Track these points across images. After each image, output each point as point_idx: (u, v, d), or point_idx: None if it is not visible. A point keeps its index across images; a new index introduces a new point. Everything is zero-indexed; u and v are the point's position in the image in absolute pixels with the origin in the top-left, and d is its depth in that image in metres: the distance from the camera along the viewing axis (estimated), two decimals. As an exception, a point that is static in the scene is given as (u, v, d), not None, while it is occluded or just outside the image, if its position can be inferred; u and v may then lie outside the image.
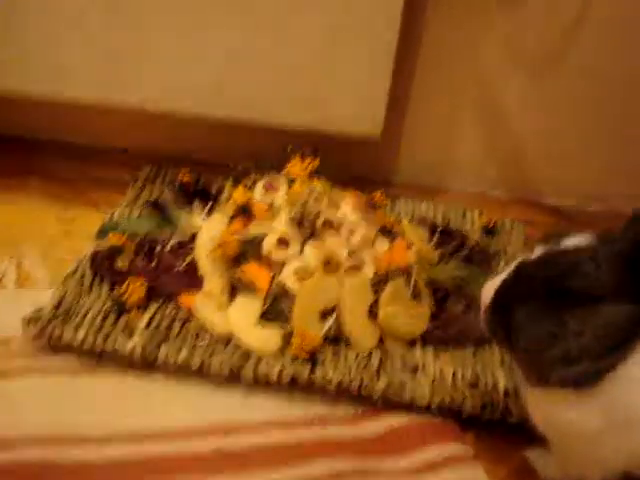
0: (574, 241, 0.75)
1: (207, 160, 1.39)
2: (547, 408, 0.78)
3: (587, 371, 0.71)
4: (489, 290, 0.79)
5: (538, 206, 1.49)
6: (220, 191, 1.28)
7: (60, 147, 1.46)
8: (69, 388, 0.95)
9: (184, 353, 0.97)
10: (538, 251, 0.77)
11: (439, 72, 1.38)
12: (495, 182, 1.50)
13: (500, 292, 0.78)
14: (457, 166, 1.49)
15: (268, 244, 1.07)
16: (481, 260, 1.22)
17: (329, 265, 1.04)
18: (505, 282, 0.77)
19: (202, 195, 1.26)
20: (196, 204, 1.24)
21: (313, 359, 0.98)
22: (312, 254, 1.07)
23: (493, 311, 0.79)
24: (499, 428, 0.96)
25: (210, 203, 1.23)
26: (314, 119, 1.28)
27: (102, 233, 1.18)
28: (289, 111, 1.28)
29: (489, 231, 1.33)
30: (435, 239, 1.24)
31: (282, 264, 1.06)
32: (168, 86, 1.27)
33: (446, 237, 1.25)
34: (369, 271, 1.07)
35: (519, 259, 0.79)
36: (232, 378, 0.97)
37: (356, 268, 1.05)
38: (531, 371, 0.78)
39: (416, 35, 1.34)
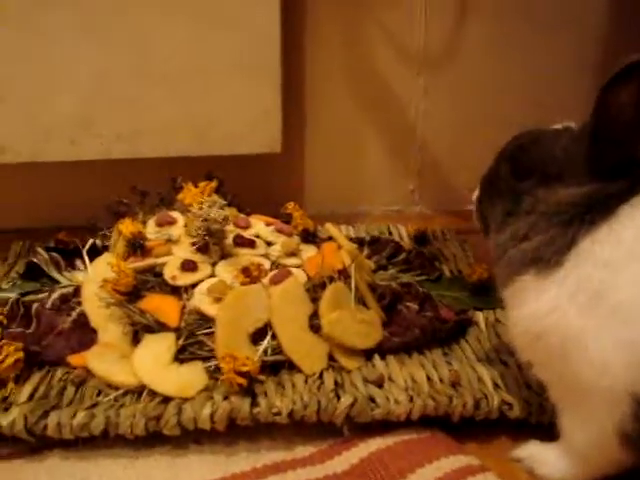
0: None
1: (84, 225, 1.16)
2: (521, 317, 0.66)
3: (540, 246, 0.63)
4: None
5: (464, 214, 1.35)
6: (106, 246, 1.06)
7: None
8: None
9: (81, 416, 0.73)
10: None
11: (330, 79, 1.26)
12: (414, 196, 1.37)
13: (483, 179, 0.74)
14: (369, 184, 1.34)
15: (171, 269, 0.86)
16: (421, 264, 1.06)
17: (250, 277, 0.83)
18: (488, 169, 0.74)
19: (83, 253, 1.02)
20: (78, 262, 1.02)
21: (252, 392, 0.76)
22: (226, 271, 0.87)
23: (479, 201, 0.75)
24: (500, 430, 0.78)
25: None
26: (206, 144, 1.12)
27: (-36, 313, 0.94)
28: (174, 140, 1.11)
29: (420, 240, 1.17)
30: (366, 251, 1.07)
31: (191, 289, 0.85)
32: (27, 130, 1.08)
33: (377, 247, 1.09)
34: (300, 278, 0.87)
35: None
36: (153, 438, 0.74)
37: (283, 276, 0.85)
38: (500, 267, 0.69)
39: (300, 41, 1.23)
